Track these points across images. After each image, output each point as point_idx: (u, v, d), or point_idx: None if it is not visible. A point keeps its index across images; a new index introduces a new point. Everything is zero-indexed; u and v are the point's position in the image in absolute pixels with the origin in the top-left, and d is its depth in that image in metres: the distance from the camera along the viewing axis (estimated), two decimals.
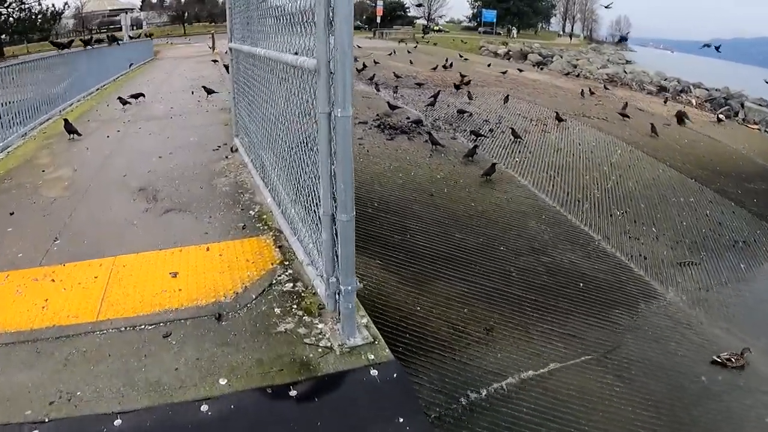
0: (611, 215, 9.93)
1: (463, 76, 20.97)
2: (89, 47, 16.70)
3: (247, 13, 6.35)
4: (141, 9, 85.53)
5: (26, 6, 42.47)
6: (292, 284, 4.06)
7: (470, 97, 16.92)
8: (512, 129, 12.88)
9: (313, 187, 3.60)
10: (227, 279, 4.18)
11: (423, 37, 58.30)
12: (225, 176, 6.71)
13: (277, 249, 4.61)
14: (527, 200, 9.74)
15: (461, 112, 14.50)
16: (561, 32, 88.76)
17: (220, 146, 8.15)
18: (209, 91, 13.61)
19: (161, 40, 48.51)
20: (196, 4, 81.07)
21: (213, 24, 76.84)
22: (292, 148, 4.17)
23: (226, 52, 26.69)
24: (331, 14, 2.70)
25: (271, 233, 4.93)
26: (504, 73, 24.78)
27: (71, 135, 9.34)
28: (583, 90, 21.17)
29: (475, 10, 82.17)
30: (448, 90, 18.28)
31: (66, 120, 9.58)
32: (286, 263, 4.36)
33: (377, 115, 13.60)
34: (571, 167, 11.75)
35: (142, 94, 13.45)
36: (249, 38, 6.17)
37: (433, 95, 16.06)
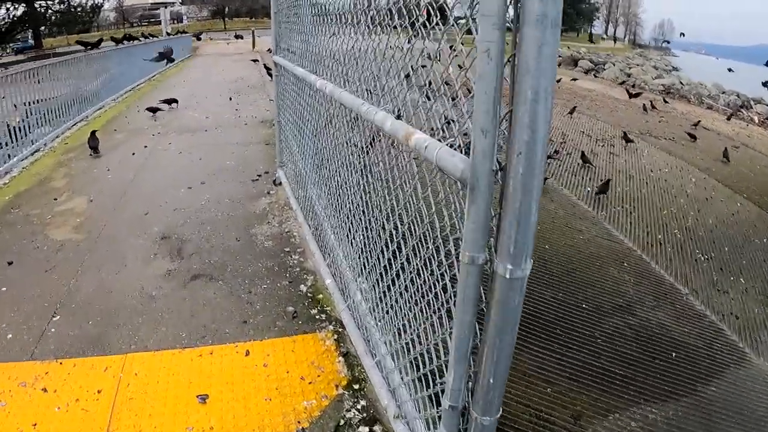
0: (696, 261, 8.52)
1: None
2: (122, 45, 15.59)
3: (297, 23, 5.06)
4: (182, 3, 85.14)
5: None
6: (367, 429, 2.80)
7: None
8: (582, 153, 11.45)
9: (424, 342, 2.32)
10: (276, 412, 2.92)
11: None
12: (267, 222, 5.46)
13: (341, 358, 3.34)
14: (605, 242, 8.37)
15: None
16: (604, 36, 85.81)
17: (260, 175, 6.92)
18: None
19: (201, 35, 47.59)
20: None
21: (253, 20, 76.16)
22: (387, 257, 2.83)
23: (267, 50, 25.56)
24: (516, 63, 1.42)
25: (331, 327, 3.66)
26: (558, 81, 23.11)
27: (92, 151, 8.24)
28: (645, 104, 19.55)
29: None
30: (503, 99, 16.84)
31: (93, 133, 8.45)
32: (356, 387, 3.09)
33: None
34: (646, 199, 10.34)
35: (175, 100, 12.32)
36: (300, 54, 4.88)
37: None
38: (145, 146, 8.67)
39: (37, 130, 9.21)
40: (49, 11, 41.83)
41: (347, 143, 3.29)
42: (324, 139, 4.12)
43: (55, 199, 6.42)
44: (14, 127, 8.43)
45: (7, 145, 7.96)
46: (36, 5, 40.24)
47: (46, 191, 6.75)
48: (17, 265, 4.77)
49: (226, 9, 76.58)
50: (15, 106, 8.67)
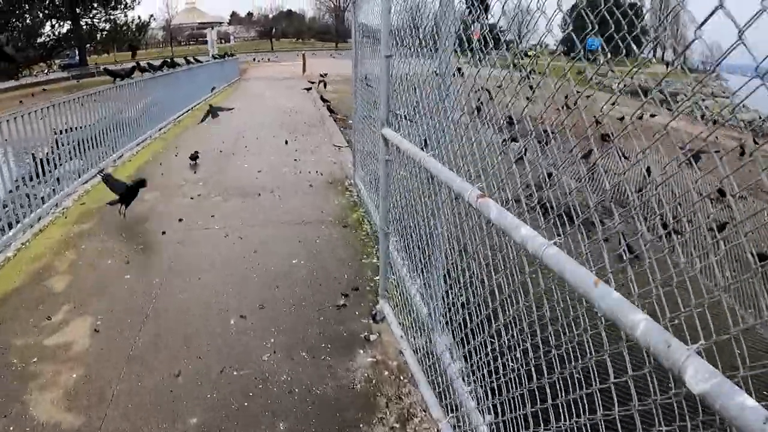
0: None
1: (598, 122, 17.18)
2: (161, 72, 13.72)
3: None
4: (229, 23, 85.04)
5: (112, 17, 40.98)
6: None
7: (624, 156, 13.08)
8: (717, 224, 9.06)
9: None
10: None
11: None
12: (378, 419, 3.25)
13: None
14: None
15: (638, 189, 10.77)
16: (653, 59, 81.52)
17: (347, 295, 4.73)
18: None
19: (247, 56, 46.40)
20: (284, 20, 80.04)
21: (300, 41, 75.41)
22: None
23: (319, 77, 23.49)
24: None
25: None
26: (640, 117, 20.09)
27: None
28: (742, 147, 16.84)
29: (566, 34, 76.73)
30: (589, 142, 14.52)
31: (124, 195, 6.58)
32: None
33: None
34: None
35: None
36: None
37: (584, 155, 12.34)
38: (181, 220, 6.59)
39: (65, 166, 7.74)
40: (94, 29, 40.96)
41: None
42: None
43: (49, 318, 4.39)
44: (41, 159, 7.05)
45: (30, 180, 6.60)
46: (82, 23, 39.40)
47: (41, 297, 4.74)
48: None
49: (273, 30, 75.91)
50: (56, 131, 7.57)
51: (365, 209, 6.74)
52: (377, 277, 4.82)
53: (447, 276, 3.17)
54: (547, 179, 2.10)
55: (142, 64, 12.96)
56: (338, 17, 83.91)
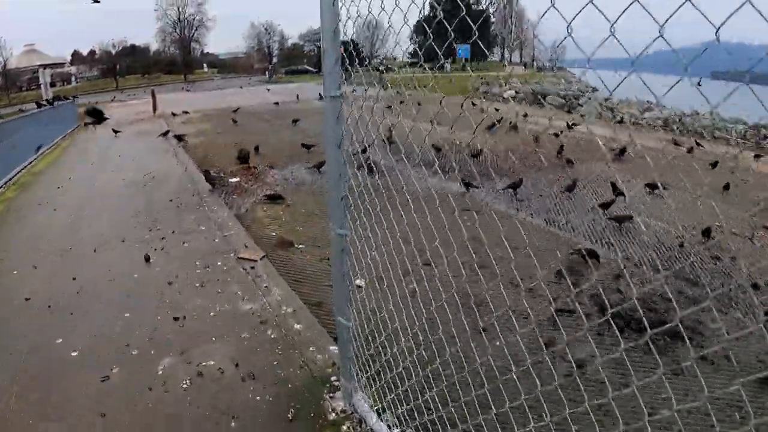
0: None
1: (536, 140, 13.61)
2: None
3: None
4: (71, 63, 74.82)
5: None
6: None
7: (573, 185, 9.46)
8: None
9: None
10: None
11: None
12: None
13: None
14: None
15: (619, 219, 7.68)
16: (506, 62, 79.62)
17: None
18: None
19: (91, 98, 38.84)
20: (128, 56, 71.59)
21: (146, 76, 67.31)
22: None
23: (173, 114, 17.69)
24: None
25: None
26: (560, 133, 15.43)
27: None
28: (691, 149, 13.43)
29: (416, 46, 74.35)
30: (528, 165, 10.71)
31: None
32: None
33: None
34: None
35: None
36: None
37: (569, 186, 9.30)
38: None
39: None
40: None
41: None
42: None
43: None
44: None
45: None
46: None
47: None
48: None
49: (117, 67, 67.34)
50: None
51: None
52: None
53: None
54: None
55: None
56: (185, 48, 76.36)
